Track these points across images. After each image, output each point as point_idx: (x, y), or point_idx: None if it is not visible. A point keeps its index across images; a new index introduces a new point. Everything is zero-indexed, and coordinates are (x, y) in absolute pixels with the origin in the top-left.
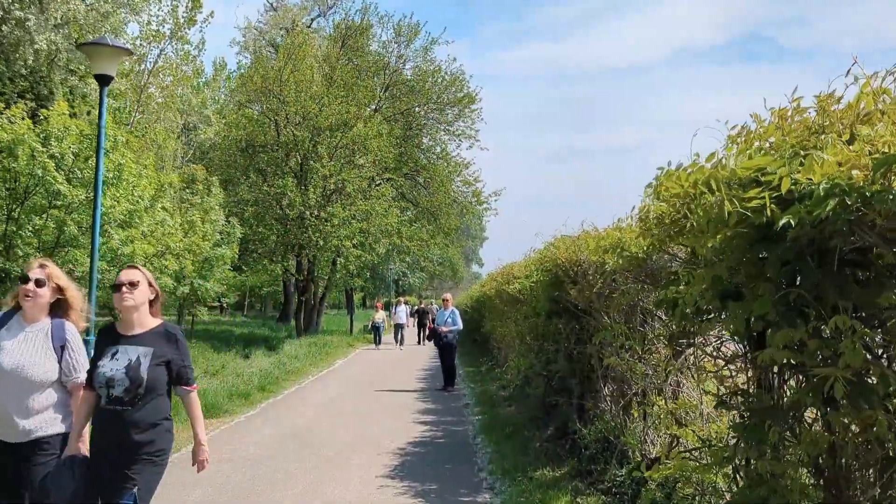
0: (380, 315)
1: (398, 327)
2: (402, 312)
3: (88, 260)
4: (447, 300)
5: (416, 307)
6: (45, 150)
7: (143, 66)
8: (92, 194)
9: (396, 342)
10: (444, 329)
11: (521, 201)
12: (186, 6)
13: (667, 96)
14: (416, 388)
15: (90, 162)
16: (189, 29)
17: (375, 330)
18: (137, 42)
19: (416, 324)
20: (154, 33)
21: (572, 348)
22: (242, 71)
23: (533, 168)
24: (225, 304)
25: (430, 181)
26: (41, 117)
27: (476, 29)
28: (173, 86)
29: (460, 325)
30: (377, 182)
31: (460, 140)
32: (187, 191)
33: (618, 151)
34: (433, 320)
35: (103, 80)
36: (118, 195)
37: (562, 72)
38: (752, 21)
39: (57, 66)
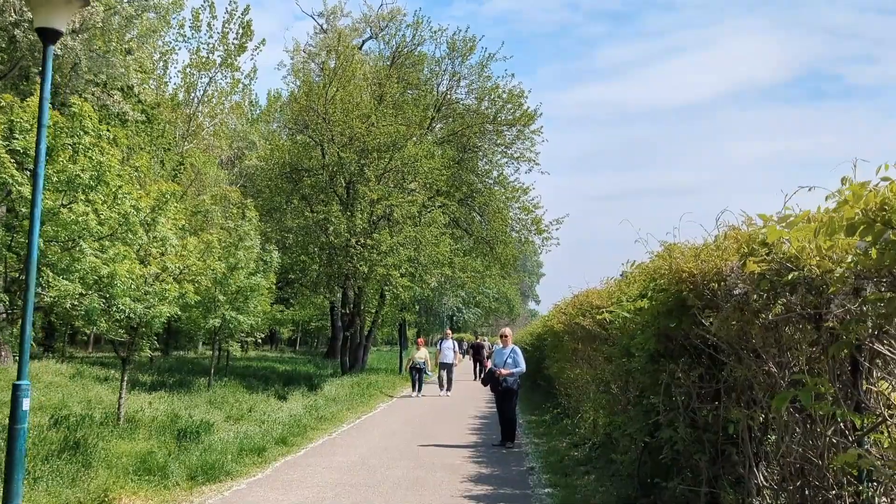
0: (422, 353)
1: (444, 368)
2: (449, 350)
3: (63, 281)
4: (506, 336)
5: (470, 343)
6: (4, 144)
7: (192, 95)
8: (67, 200)
9: (441, 387)
10: (504, 372)
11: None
12: (237, 33)
13: (726, 136)
14: (468, 443)
15: (71, 162)
16: (239, 56)
17: (416, 373)
18: (187, 70)
19: (471, 358)
20: (203, 61)
21: (698, 407)
22: (287, 94)
23: (586, 208)
24: (258, 339)
25: (486, 207)
26: (2, 104)
27: (535, 70)
28: (223, 114)
29: (523, 367)
30: (428, 208)
31: (518, 163)
32: (220, 214)
33: (674, 192)
34: (489, 356)
35: (48, 37)
36: (96, 201)
37: (619, 112)
38: (816, 59)
39: (77, 74)
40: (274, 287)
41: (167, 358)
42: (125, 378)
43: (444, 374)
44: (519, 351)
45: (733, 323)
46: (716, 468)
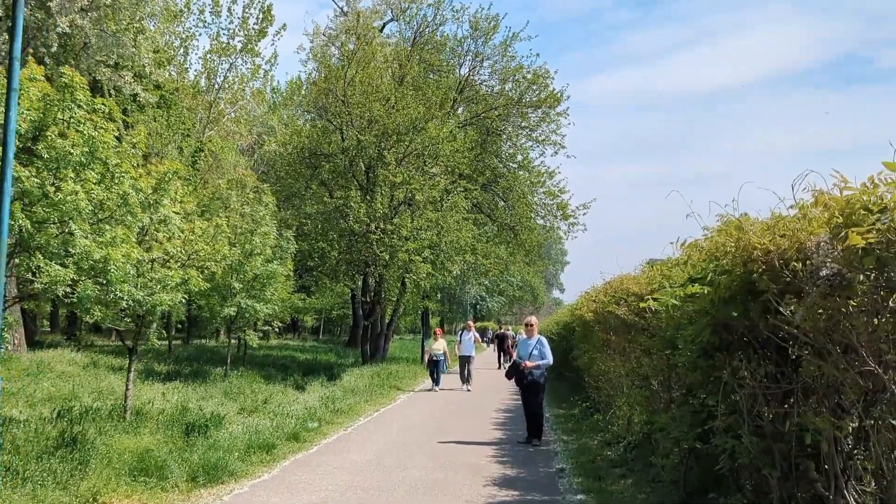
0: (439, 345)
1: (465, 361)
2: (470, 342)
3: (55, 266)
4: (532, 325)
5: (494, 333)
6: None
7: (213, 81)
8: (59, 182)
9: (463, 381)
10: (529, 364)
11: (604, 230)
12: (258, 18)
13: (756, 123)
14: (491, 440)
15: (61, 137)
16: (259, 42)
17: (433, 366)
18: (208, 56)
19: (495, 348)
20: (224, 46)
21: (768, 411)
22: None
23: (614, 197)
24: (276, 328)
25: (510, 192)
26: None
27: (562, 56)
28: (243, 100)
29: (550, 359)
30: (450, 193)
31: (544, 147)
32: (236, 199)
33: (704, 181)
34: (513, 345)
35: None
36: (89, 180)
37: (646, 99)
38: (847, 43)
39: (87, 54)
40: (292, 274)
41: (187, 346)
42: (132, 369)
43: (465, 367)
44: (545, 342)
45: (820, 312)
46: (789, 485)
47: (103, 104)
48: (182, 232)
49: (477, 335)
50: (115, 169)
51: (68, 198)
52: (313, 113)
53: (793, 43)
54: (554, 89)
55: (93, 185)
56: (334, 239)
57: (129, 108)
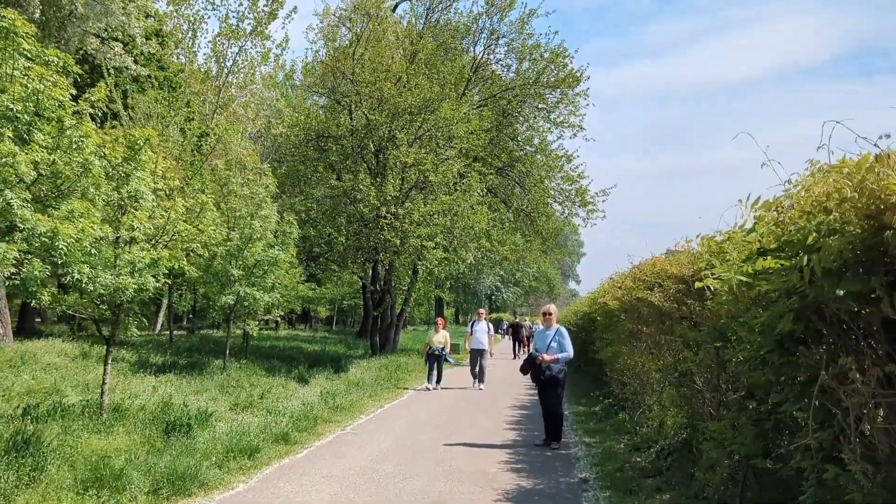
0: (440, 336)
1: (476, 356)
2: (483, 334)
3: None
4: (550, 315)
5: (509, 323)
6: None
7: (222, 65)
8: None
9: (475, 379)
10: (547, 358)
11: (617, 223)
12: (268, 0)
13: (773, 114)
14: (505, 442)
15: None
16: (269, 24)
17: (433, 360)
18: (217, 39)
19: (510, 338)
20: (233, 29)
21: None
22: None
23: (630, 189)
24: (278, 318)
25: (526, 177)
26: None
27: (578, 46)
28: (253, 84)
29: (570, 352)
30: (464, 177)
31: (562, 129)
32: (236, 181)
33: (717, 172)
34: (528, 338)
35: None
36: (38, 143)
37: (663, 91)
38: (867, 33)
39: (73, 23)
40: (296, 261)
41: (191, 337)
42: (109, 361)
43: (478, 362)
44: (565, 333)
45: None
46: None
47: (57, 56)
48: (164, 210)
49: (491, 326)
50: (72, 133)
51: (3, 160)
52: (322, 93)
53: (812, 34)
54: (573, 69)
55: (39, 148)
56: (342, 224)
57: (128, 88)
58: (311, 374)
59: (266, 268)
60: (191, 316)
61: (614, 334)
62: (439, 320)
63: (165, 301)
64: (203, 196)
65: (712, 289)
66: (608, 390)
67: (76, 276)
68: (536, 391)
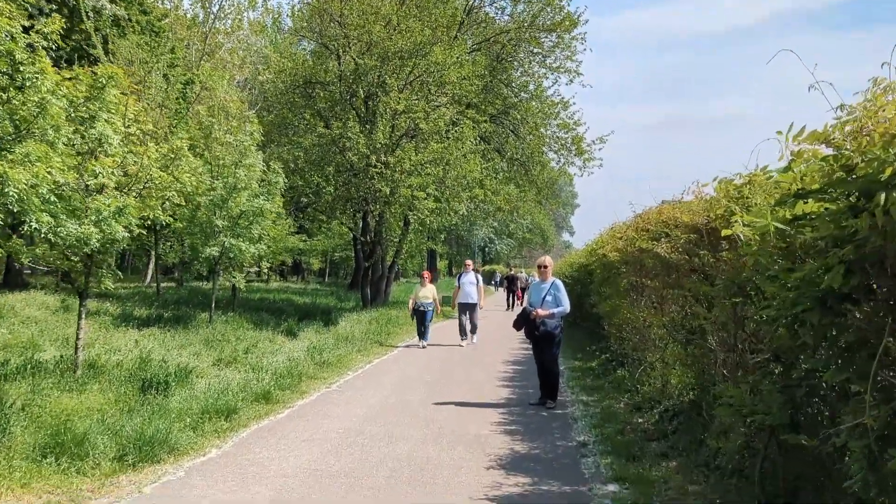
0: (427, 291)
1: (465, 310)
2: (472, 286)
3: None
4: (546, 267)
5: (503, 275)
6: None
7: (209, 10)
8: None
9: (462, 334)
10: (542, 313)
11: (613, 172)
12: None
13: (774, 63)
14: (498, 401)
15: None
16: None
17: (420, 316)
18: None
19: (504, 289)
20: None
21: None
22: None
23: (625, 141)
24: (265, 270)
25: (521, 124)
26: None
27: None
28: (240, 31)
29: (567, 306)
30: (457, 124)
31: (558, 75)
32: (218, 128)
33: (722, 122)
34: (524, 290)
35: None
36: None
37: (659, 39)
38: None
39: None
40: (283, 212)
41: (180, 289)
42: (83, 316)
43: (466, 317)
44: (562, 286)
45: None
46: None
47: None
48: (137, 157)
49: (479, 278)
50: (27, 69)
51: None
52: (310, 38)
53: None
54: (570, 11)
55: None
56: (331, 174)
57: (109, 32)
58: (300, 328)
59: (252, 218)
60: (180, 268)
61: (613, 287)
62: (425, 273)
63: (154, 253)
64: (178, 141)
65: (742, 237)
66: (605, 345)
67: (34, 225)
68: (531, 347)
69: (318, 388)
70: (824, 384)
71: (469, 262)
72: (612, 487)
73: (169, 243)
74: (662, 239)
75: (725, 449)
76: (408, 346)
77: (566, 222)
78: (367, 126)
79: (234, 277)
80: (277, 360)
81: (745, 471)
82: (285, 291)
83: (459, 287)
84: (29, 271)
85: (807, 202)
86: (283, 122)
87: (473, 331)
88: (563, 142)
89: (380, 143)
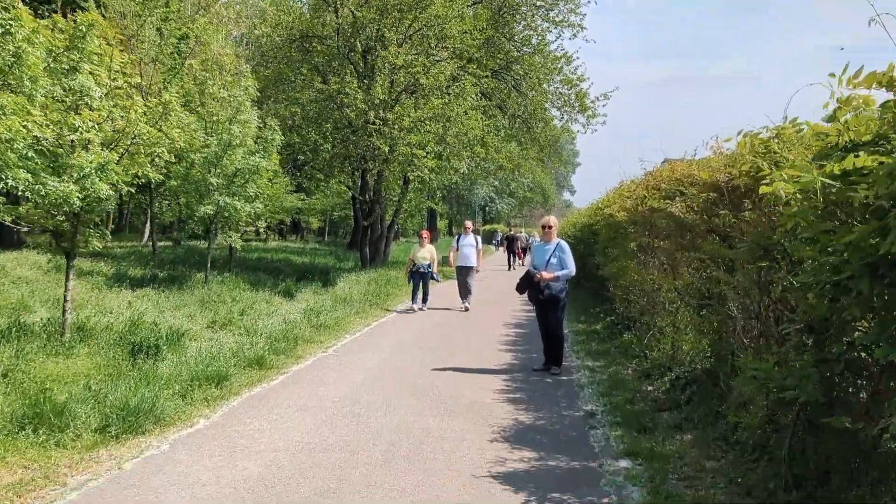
0: (426, 252)
1: (463, 273)
2: (470, 248)
3: None
4: (550, 227)
5: (504, 235)
6: None
7: None
8: None
9: (463, 298)
10: (546, 275)
11: (615, 129)
12: None
13: (782, 23)
14: (500, 366)
15: None
16: None
17: (418, 278)
18: None
19: (505, 249)
20: None
21: None
22: None
23: (628, 99)
24: (261, 230)
25: (523, 80)
26: None
27: None
28: None
29: (572, 269)
30: (458, 80)
31: (562, 28)
32: (212, 82)
33: (726, 82)
34: (524, 250)
35: None
36: None
37: None
38: None
39: None
40: (280, 170)
41: (177, 248)
42: (70, 277)
43: (464, 280)
44: (567, 247)
45: None
46: None
47: None
48: (123, 111)
49: (478, 240)
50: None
51: None
52: None
53: None
54: None
55: None
56: (328, 131)
57: None
58: (297, 289)
59: (247, 176)
60: (178, 227)
61: (620, 248)
62: (424, 233)
63: (150, 212)
64: (167, 95)
65: (784, 194)
66: (610, 307)
67: (10, 182)
68: (534, 309)
69: (314, 352)
70: (868, 360)
71: (469, 223)
72: (623, 463)
73: (167, 202)
74: (677, 198)
75: (745, 423)
76: (407, 309)
77: (567, 181)
78: (366, 81)
79: (229, 237)
80: (273, 323)
81: (768, 447)
82: (284, 251)
83: (458, 249)
84: (26, 230)
85: (857, 156)
86: (279, 77)
87: (467, 295)
88: (566, 98)
89: (378, 98)
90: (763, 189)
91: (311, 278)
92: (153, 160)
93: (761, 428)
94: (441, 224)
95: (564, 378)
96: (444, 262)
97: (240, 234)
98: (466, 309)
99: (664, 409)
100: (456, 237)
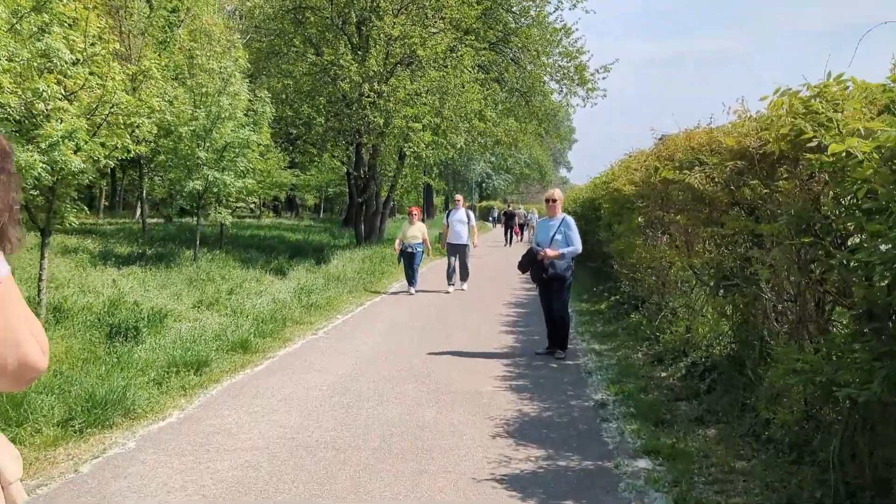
0: (416, 230)
1: (454, 252)
2: (461, 224)
3: None
4: (555, 202)
5: (501, 211)
6: None
7: None
8: None
9: (450, 280)
10: (551, 253)
11: (612, 104)
12: None
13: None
14: (501, 350)
15: None
16: None
17: (407, 259)
18: None
19: (503, 225)
20: None
21: None
22: None
23: (623, 77)
24: (250, 206)
25: (522, 52)
26: None
27: None
28: None
29: (579, 246)
30: (455, 52)
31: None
32: (200, 52)
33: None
34: (522, 227)
35: None
36: None
37: None
38: None
39: None
40: (271, 144)
41: (168, 225)
42: (45, 255)
43: (455, 260)
44: (573, 223)
45: None
46: None
47: None
48: (101, 79)
49: (471, 215)
50: None
51: None
52: None
53: None
54: None
55: None
56: (322, 104)
57: None
58: (290, 266)
59: (237, 150)
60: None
61: (627, 224)
62: (414, 210)
63: (141, 187)
64: (146, 61)
65: (860, 154)
66: (615, 286)
67: None
68: (535, 288)
69: (303, 334)
70: None
71: (459, 196)
72: (642, 463)
73: (158, 178)
74: (696, 168)
75: (780, 419)
76: (401, 289)
77: (563, 158)
78: (360, 53)
79: (219, 213)
80: (262, 303)
81: (808, 448)
82: (278, 228)
83: (448, 226)
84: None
85: None
86: (272, 50)
87: (463, 276)
88: (565, 70)
89: (373, 70)
90: (834, 147)
91: (304, 256)
92: (133, 131)
93: (799, 425)
94: (437, 200)
95: (570, 363)
96: (439, 239)
97: (231, 211)
98: (461, 289)
99: (682, 399)
100: (446, 213)
